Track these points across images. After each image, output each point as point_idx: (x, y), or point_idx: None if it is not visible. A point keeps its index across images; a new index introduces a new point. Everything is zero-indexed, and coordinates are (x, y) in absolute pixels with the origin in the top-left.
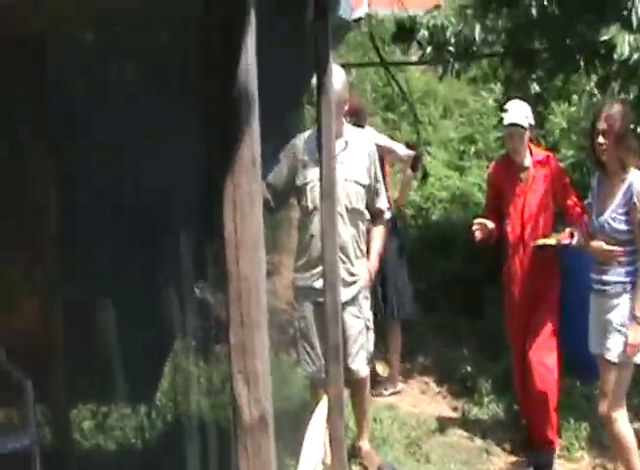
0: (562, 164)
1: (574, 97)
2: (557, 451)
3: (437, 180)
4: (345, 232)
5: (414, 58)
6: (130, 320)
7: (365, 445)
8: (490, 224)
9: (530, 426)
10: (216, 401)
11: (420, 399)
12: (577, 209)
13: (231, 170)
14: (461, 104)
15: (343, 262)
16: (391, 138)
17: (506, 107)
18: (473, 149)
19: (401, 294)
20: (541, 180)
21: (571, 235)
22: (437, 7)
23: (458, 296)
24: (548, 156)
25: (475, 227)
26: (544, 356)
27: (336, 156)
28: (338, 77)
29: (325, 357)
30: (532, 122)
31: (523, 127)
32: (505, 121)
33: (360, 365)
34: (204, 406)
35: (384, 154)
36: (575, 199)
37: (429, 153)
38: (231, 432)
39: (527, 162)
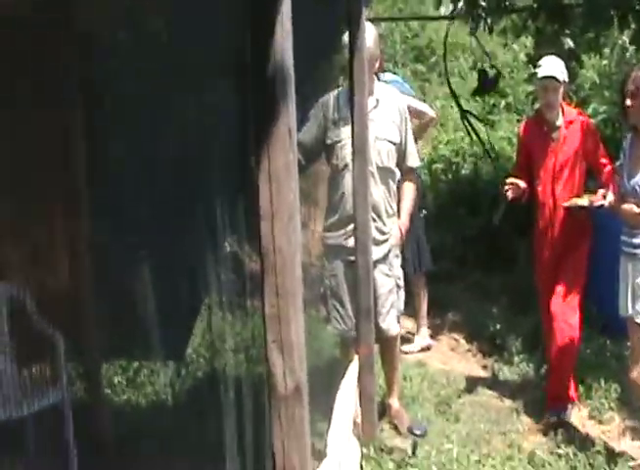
0: (593, 120)
1: (606, 50)
2: (576, 410)
3: (466, 135)
4: (377, 191)
5: (443, 9)
6: (161, 275)
7: (395, 402)
8: (522, 184)
9: (549, 383)
10: (249, 360)
11: (449, 357)
12: (609, 169)
13: (267, 142)
14: (491, 56)
15: (375, 221)
16: (422, 91)
17: (540, 62)
18: (503, 103)
19: (421, 248)
20: (573, 140)
21: (604, 196)
22: None
23: (488, 251)
24: (580, 115)
25: (507, 187)
26: (568, 315)
27: (367, 114)
28: (370, 35)
29: (356, 317)
30: (567, 79)
31: (558, 81)
32: (540, 74)
33: (391, 324)
34: (235, 364)
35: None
36: (607, 159)
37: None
38: (262, 392)
39: (559, 121)
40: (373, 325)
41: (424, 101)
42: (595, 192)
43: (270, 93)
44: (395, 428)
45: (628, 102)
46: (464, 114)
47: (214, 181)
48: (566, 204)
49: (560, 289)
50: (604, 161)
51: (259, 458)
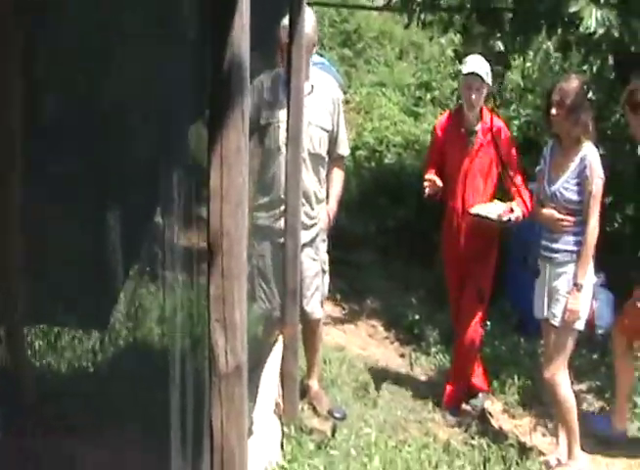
0: (516, 122)
1: (530, 53)
2: (489, 402)
3: (392, 124)
4: (307, 176)
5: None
6: (85, 244)
7: (315, 384)
8: (439, 182)
9: (454, 375)
10: (173, 332)
11: (368, 343)
12: (520, 183)
13: (220, 125)
14: (417, 47)
15: (303, 205)
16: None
17: (466, 59)
18: (429, 96)
19: None
20: (488, 148)
21: (511, 210)
22: None
23: (409, 242)
24: (500, 127)
25: (425, 183)
26: (473, 322)
27: (303, 99)
28: (309, 20)
29: (282, 299)
30: (490, 82)
31: (482, 80)
32: (465, 70)
33: (315, 307)
34: (159, 336)
35: None
36: (520, 172)
37: None
38: (191, 366)
39: (478, 125)
40: (298, 307)
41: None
42: (503, 200)
43: (225, 78)
44: (314, 409)
45: (554, 111)
46: None
47: (157, 158)
48: (473, 210)
49: (467, 296)
50: (517, 178)
51: (189, 434)
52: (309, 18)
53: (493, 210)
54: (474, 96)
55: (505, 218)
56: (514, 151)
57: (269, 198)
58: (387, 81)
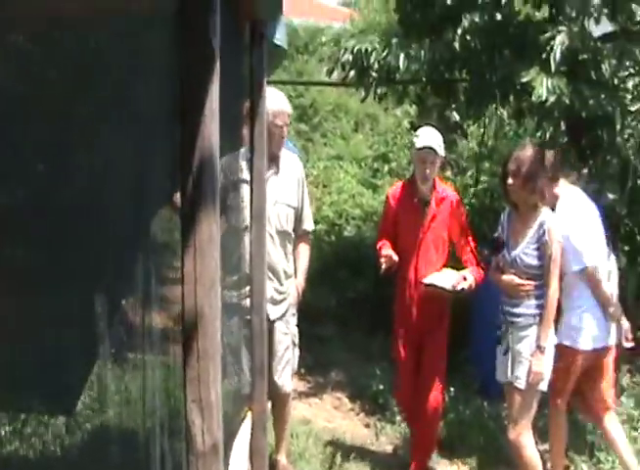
0: (471, 190)
1: (485, 120)
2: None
3: (351, 197)
4: (275, 253)
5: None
6: (53, 325)
7: (283, 459)
8: (395, 257)
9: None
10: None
11: (333, 415)
12: (472, 258)
13: (193, 212)
14: (372, 118)
15: (272, 281)
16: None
17: (419, 132)
18: (386, 167)
19: None
20: (442, 218)
21: (465, 278)
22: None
23: (370, 314)
24: (452, 199)
25: (382, 259)
26: (435, 391)
27: (268, 178)
28: (284, 101)
29: (251, 375)
30: (443, 154)
31: (436, 152)
32: (418, 144)
33: (286, 380)
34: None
35: None
36: (471, 242)
37: None
38: (150, 444)
39: (431, 196)
40: (266, 383)
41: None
42: (456, 269)
43: (197, 173)
44: None
45: (510, 181)
46: None
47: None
48: (426, 280)
49: (426, 367)
50: (466, 242)
51: None
52: (277, 96)
53: (446, 279)
54: (428, 170)
55: (459, 288)
56: (465, 220)
57: (237, 276)
58: (343, 154)
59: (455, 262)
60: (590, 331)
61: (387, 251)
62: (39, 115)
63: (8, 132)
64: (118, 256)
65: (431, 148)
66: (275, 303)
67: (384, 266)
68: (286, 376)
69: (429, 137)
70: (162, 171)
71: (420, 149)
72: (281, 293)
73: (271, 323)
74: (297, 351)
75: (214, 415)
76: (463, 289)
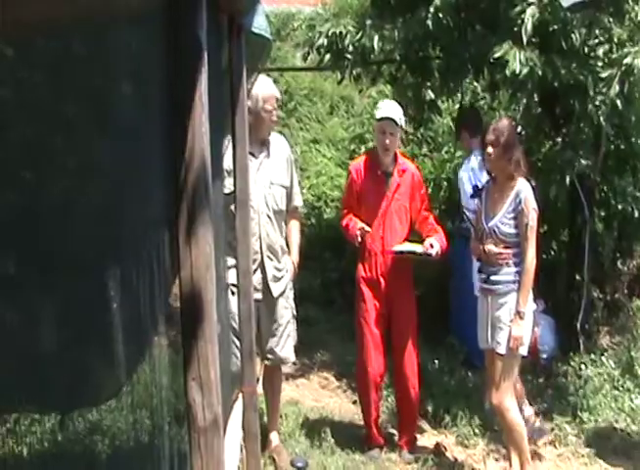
0: (449, 165)
1: (458, 95)
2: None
3: (329, 179)
4: (273, 233)
5: (299, 55)
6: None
7: (275, 437)
8: (368, 228)
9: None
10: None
11: (321, 394)
12: (432, 224)
13: (185, 196)
14: (347, 100)
15: (271, 260)
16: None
17: (380, 104)
18: (363, 148)
19: None
20: (404, 190)
21: (431, 246)
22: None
23: (353, 294)
24: (413, 171)
25: (358, 232)
26: (409, 365)
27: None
28: (272, 86)
29: (241, 358)
30: (404, 126)
31: (396, 124)
32: (379, 115)
33: (289, 352)
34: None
35: None
36: (430, 213)
37: None
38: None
39: (392, 167)
40: (255, 366)
41: None
42: (417, 241)
43: (189, 161)
44: (274, 462)
45: (489, 150)
46: None
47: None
48: (397, 248)
49: (397, 340)
50: (427, 214)
51: None
52: (265, 82)
53: (415, 246)
54: (388, 140)
55: (429, 252)
56: (425, 193)
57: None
58: (320, 138)
59: (414, 237)
60: None
61: (359, 224)
62: (26, 118)
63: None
64: (110, 248)
65: (390, 118)
66: (276, 280)
67: (359, 239)
68: (288, 347)
69: (389, 109)
70: (155, 163)
71: (380, 120)
72: (280, 270)
73: (275, 300)
74: (295, 324)
75: (214, 392)
76: (431, 255)
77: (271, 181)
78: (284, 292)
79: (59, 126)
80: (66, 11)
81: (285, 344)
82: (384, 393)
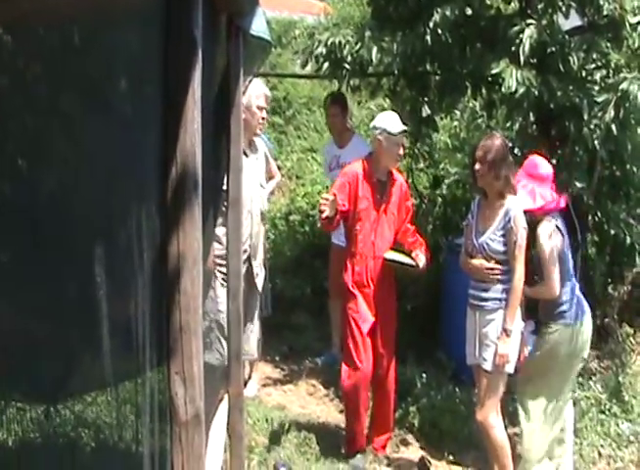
0: (446, 181)
1: (457, 112)
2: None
3: (324, 188)
4: (259, 232)
5: (309, 67)
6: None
7: None
8: (340, 201)
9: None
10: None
11: (308, 401)
12: (416, 236)
13: (175, 192)
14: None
15: (255, 259)
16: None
17: (385, 117)
18: None
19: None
20: (395, 199)
21: (417, 256)
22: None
23: None
24: (402, 182)
25: (323, 206)
26: (390, 364)
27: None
28: (263, 86)
29: (228, 359)
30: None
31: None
32: (396, 129)
33: (253, 347)
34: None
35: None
36: (414, 229)
37: None
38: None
39: (385, 176)
40: (242, 367)
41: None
42: (402, 251)
43: (180, 157)
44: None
45: (477, 166)
46: None
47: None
48: (388, 255)
49: (379, 343)
50: (410, 226)
51: None
52: (257, 82)
53: (404, 256)
54: (401, 151)
55: (416, 263)
56: (411, 205)
57: None
58: (317, 146)
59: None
60: None
61: (325, 195)
62: (24, 110)
63: None
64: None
65: (406, 131)
66: (258, 277)
67: (326, 212)
68: (253, 342)
69: (400, 122)
70: (147, 158)
71: (397, 133)
72: (257, 266)
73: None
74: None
75: (197, 386)
76: (418, 267)
77: (260, 183)
78: (262, 287)
79: (54, 118)
80: (63, 7)
81: (249, 337)
82: (370, 403)
